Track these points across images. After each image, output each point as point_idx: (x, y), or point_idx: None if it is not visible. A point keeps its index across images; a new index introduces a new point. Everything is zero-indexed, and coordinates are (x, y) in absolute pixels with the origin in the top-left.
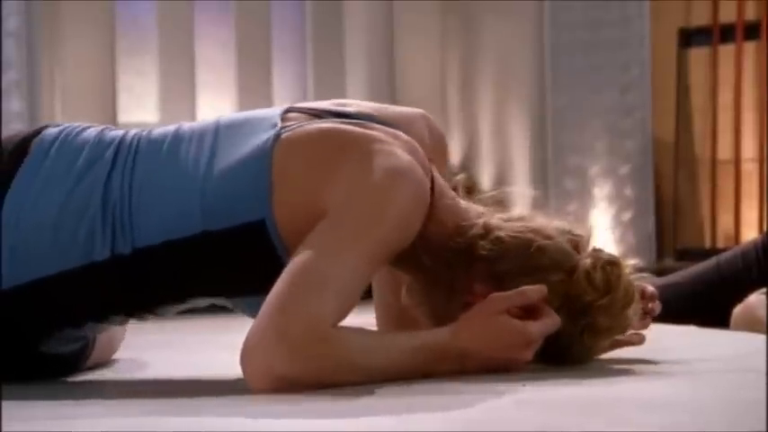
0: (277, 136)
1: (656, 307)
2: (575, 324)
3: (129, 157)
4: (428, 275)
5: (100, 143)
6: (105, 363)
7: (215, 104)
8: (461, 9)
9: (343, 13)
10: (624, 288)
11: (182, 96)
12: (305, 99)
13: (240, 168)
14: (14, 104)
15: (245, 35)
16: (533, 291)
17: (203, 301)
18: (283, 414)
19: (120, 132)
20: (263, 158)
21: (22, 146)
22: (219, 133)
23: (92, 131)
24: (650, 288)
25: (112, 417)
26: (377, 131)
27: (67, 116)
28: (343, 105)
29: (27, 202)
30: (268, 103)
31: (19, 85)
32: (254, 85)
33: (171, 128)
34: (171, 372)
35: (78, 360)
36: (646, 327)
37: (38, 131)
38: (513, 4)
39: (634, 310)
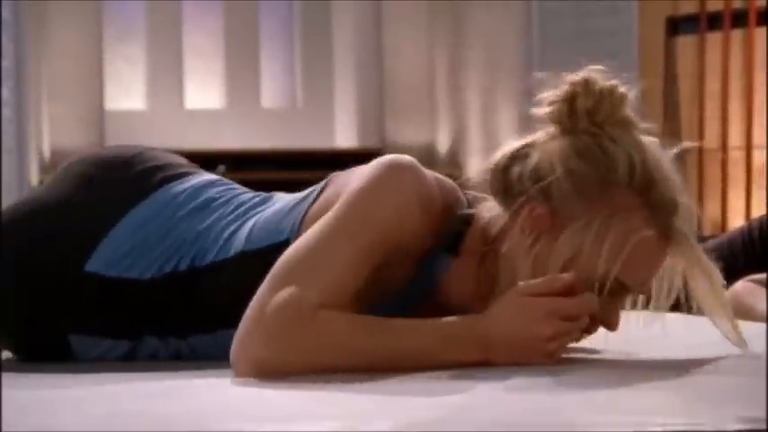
0: (332, 176)
1: None
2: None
3: (231, 209)
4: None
5: (217, 199)
6: None
7: (203, 92)
8: None
9: (331, 1)
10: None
11: (169, 84)
12: (293, 87)
13: (291, 201)
14: (2, 92)
15: (232, 23)
16: (558, 278)
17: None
18: (260, 399)
19: (234, 192)
20: (313, 192)
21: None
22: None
23: (212, 191)
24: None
25: (102, 402)
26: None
27: (55, 103)
28: None
29: (153, 215)
30: (256, 91)
31: (6, 73)
32: (241, 72)
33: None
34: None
35: None
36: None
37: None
38: None
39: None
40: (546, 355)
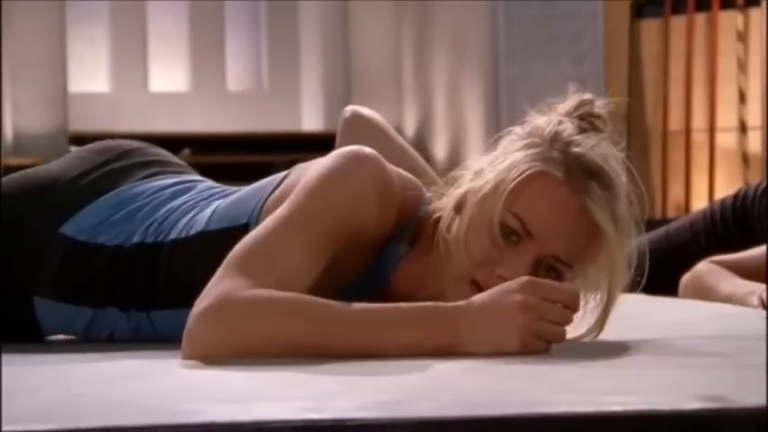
0: (297, 165)
1: None
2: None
3: (201, 194)
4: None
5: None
6: None
7: (167, 74)
8: None
9: None
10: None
11: (133, 66)
12: (259, 70)
13: (253, 187)
14: None
15: (197, 4)
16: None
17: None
18: (220, 380)
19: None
20: (275, 179)
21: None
22: None
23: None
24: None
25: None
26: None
27: (18, 86)
28: None
29: (136, 197)
30: (221, 74)
31: None
32: (206, 54)
33: None
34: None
35: None
36: None
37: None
38: None
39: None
40: (518, 327)
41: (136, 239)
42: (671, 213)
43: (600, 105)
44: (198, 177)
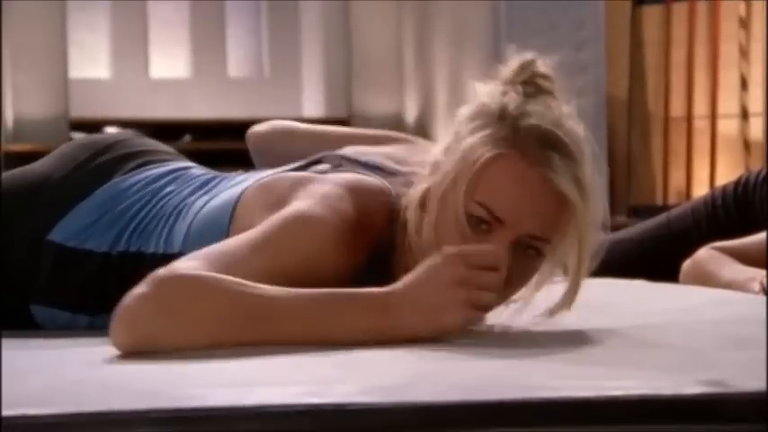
0: (255, 181)
1: None
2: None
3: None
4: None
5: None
6: None
7: (168, 60)
8: None
9: None
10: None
11: (134, 52)
12: (260, 56)
13: (224, 196)
14: None
15: None
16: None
17: None
18: (215, 367)
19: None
20: (234, 195)
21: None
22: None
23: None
24: None
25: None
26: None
27: (19, 72)
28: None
29: (119, 195)
30: (222, 60)
31: None
32: (208, 41)
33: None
34: None
35: None
36: None
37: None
38: None
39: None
40: (457, 306)
41: (121, 248)
42: (672, 200)
43: (543, 64)
44: (187, 164)
